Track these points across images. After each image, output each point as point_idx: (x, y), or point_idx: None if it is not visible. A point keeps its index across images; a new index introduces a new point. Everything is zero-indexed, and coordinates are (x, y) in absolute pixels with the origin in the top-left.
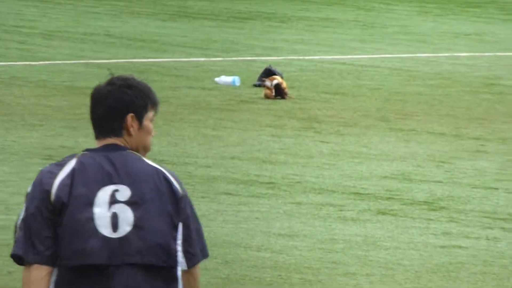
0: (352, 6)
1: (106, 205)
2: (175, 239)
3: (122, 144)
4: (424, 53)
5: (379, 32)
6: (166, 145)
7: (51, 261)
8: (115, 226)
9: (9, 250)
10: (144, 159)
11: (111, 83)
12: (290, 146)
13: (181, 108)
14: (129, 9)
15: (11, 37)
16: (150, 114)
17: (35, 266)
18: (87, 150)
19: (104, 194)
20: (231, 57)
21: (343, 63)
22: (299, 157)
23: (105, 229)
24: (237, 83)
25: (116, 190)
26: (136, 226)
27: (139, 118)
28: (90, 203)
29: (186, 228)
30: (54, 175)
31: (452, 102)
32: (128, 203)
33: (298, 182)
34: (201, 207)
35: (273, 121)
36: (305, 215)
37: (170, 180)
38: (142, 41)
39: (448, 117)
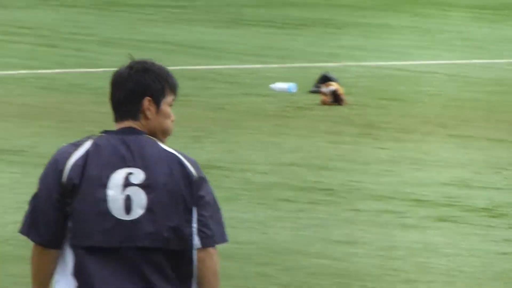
0: (408, 12)
1: (120, 188)
2: (189, 222)
3: (139, 128)
4: (480, 59)
5: (435, 38)
6: (223, 152)
7: (54, 243)
8: (128, 208)
9: None
10: (160, 143)
11: (130, 66)
12: (347, 153)
13: (237, 115)
14: (185, 16)
15: (67, 45)
16: (168, 98)
17: (39, 246)
18: (104, 131)
19: (118, 176)
20: (287, 63)
21: (400, 69)
22: (357, 163)
23: (118, 212)
24: (293, 90)
25: (130, 173)
26: (149, 209)
27: (157, 102)
28: (103, 185)
29: (201, 210)
30: (68, 155)
31: (510, 108)
32: (141, 186)
33: (357, 188)
34: (258, 214)
35: (330, 128)
36: (364, 222)
37: (185, 164)
38: (198, 48)
39: (506, 123)
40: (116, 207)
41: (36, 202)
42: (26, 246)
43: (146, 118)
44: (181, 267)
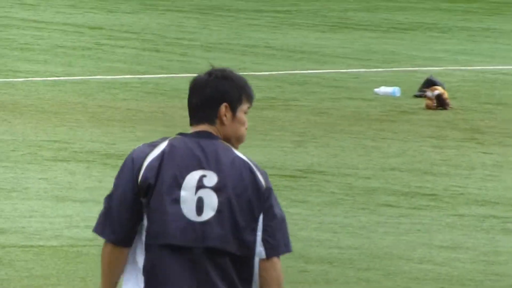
0: None
1: (193, 189)
2: (253, 230)
3: (214, 133)
4: None
5: None
6: (326, 157)
7: (126, 241)
8: (199, 210)
9: None
10: (234, 149)
11: (209, 73)
12: (452, 157)
13: (340, 119)
14: (289, 20)
15: (172, 50)
16: (244, 106)
17: (111, 245)
18: (180, 134)
19: (192, 178)
20: (392, 67)
21: (506, 73)
22: (461, 168)
23: (190, 212)
24: (398, 94)
25: (204, 176)
26: (219, 211)
27: (233, 108)
28: (178, 186)
29: (267, 220)
30: (145, 155)
31: None
32: (214, 188)
33: (460, 193)
34: (361, 219)
35: (435, 132)
36: (467, 227)
37: (255, 172)
38: (302, 52)
39: None
40: (188, 208)
41: (111, 201)
42: None
43: (222, 123)
44: (243, 272)
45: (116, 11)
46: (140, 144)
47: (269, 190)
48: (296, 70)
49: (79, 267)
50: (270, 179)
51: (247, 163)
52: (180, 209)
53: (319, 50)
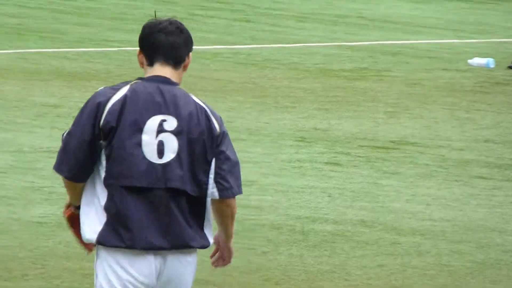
0: None
1: (154, 133)
2: (206, 172)
3: (174, 79)
4: None
5: None
6: (419, 128)
7: (81, 178)
8: (160, 153)
9: (263, 230)
10: (191, 95)
11: (175, 21)
12: None
13: (434, 91)
14: None
15: (264, 20)
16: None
17: (67, 180)
18: (140, 78)
19: (153, 123)
20: (485, 38)
21: None
22: None
23: (151, 155)
24: (492, 65)
25: (164, 120)
26: (179, 154)
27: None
28: (139, 130)
29: (220, 163)
30: (107, 98)
31: None
32: (174, 132)
33: None
34: (454, 191)
35: None
36: None
37: (211, 117)
38: (395, 23)
39: None
40: (149, 151)
41: (69, 139)
42: None
43: (184, 70)
44: (197, 211)
45: None
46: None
47: (222, 134)
48: (388, 40)
49: None
50: (361, 150)
51: (204, 108)
52: (142, 152)
53: (412, 21)
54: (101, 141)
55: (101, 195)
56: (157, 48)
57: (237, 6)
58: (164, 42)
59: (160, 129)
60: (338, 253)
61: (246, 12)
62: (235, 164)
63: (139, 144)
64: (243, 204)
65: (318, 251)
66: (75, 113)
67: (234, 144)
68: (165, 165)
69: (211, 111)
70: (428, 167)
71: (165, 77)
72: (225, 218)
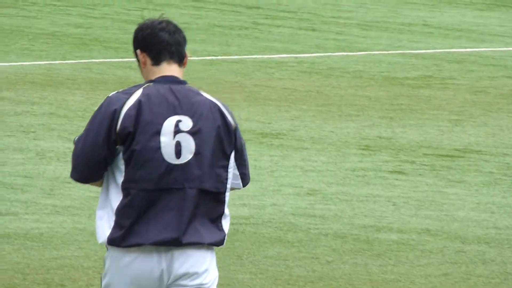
0: None
1: (171, 134)
2: (225, 167)
3: (180, 76)
4: None
5: None
6: (484, 136)
7: (91, 180)
8: (178, 153)
9: (328, 239)
10: (202, 92)
11: (169, 21)
12: None
13: (499, 98)
14: None
15: (328, 28)
16: None
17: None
18: (150, 81)
19: (169, 124)
20: None
21: None
22: None
23: (169, 156)
24: None
25: (180, 121)
26: (196, 154)
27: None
28: (157, 132)
29: (240, 155)
30: (122, 103)
31: None
32: (190, 132)
33: None
34: None
35: None
36: None
37: (224, 113)
38: (459, 31)
39: None
40: (168, 152)
41: (82, 144)
42: (285, 228)
43: (184, 66)
44: (216, 208)
45: None
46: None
47: (237, 129)
48: (453, 48)
49: (236, 245)
50: (426, 159)
51: (216, 104)
52: (161, 155)
53: (477, 29)
54: (118, 146)
55: (115, 198)
56: (164, 47)
57: (303, 15)
58: (170, 41)
59: (177, 130)
60: (402, 262)
61: (311, 20)
62: (246, 152)
63: (158, 146)
64: (307, 213)
65: (383, 260)
66: None
67: (297, 153)
68: (184, 166)
69: (224, 106)
70: (493, 175)
71: (173, 76)
72: None
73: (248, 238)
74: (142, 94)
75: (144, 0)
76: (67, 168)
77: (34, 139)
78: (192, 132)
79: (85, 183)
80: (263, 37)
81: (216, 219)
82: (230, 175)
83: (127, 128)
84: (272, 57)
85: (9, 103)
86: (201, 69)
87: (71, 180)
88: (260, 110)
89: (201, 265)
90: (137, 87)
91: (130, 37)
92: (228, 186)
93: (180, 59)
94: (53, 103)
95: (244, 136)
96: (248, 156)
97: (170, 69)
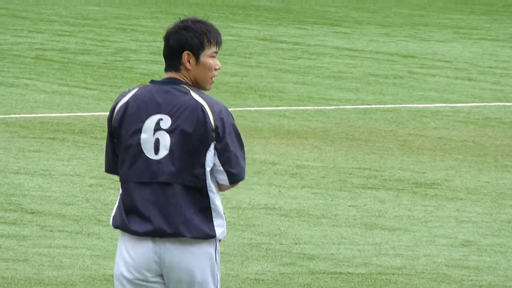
0: None
1: (152, 132)
2: (202, 165)
3: (181, 78)
4: None
5: None
6: None
7: (115, 171)
8: (156, 149)
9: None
10: (192, 93)
11: (175, 25)
12: None
13: None
14: None
15: (485, 78)
16: (208, 51)
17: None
18: (152, 81)
19: (151, 122)
20: None
21: None
22: None
23: (149, 152)
24: None
25: (161, 119)
26: (171, 151)
27: (196, 54)
28: (139, 129)
29: (223, 153)
30: (117, 102)
31: None
32: (167, 130)
33: None
34: None
35: None
36: None
37: (207, 112)
38: None
39: None
40: (148, 148)
41: (106, 141)
42: (438, 279)
43: (187, 69)
44: (200, 201)
45: (429, 40)
46: None
47: (220, 127)
48: None
49: None
50: None
51: (200, 104)
52: (141, 150)
53: None
54: (115, 140)
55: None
56: (164, 56)
57: (459, 64)
58: (163, 52)
59: (157, 128)
60: None
61: (468, 70)
62: (240, 154)
63: (139, 142)
64: (461, 264)
65: None
66: (293, 171)
67: (452, 203)
68: (160, 161)
69: (210, 106)
70: None
71: (171, 78)
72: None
73: (401, 287)
74: (134, 93)
75: (299, 50)
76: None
77: None
78: (170, 130)
79: (110, 174)
80: (419, 86)
81: (201, 213)
82: (207, 171)
83: (115, 124)
84: (428, 106)
85: None
86: (355, 117)
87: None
88: (414, 159)
89: (184, 258)
90: (136, 87)
91: (285, 86)
92: (208, 181)
93: (176, 68)
94: None
95: (398, 185)
96: (244, 155)
97: (170, 73)
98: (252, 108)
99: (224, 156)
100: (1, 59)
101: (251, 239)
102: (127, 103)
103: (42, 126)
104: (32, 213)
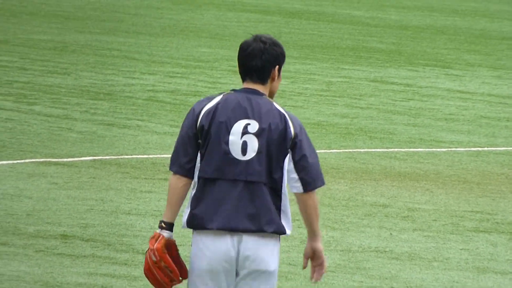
0: None
1: (239, 134)
2: (281, 168)
3: (262, 90)
4: None
5: None
6: None
7: (189, 173)
8: (244, 151)
9: None
10: (274, 103)
11: (263, 41)
12: None
13: None
14: None
15: None
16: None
17: (177, 176)
18: (233, 90)
19: (239, 125)
20: None
21: None
22: None
23: (236, 153)
24: None
25: (249, 124)
26: (259, 152)
27: (280, 69)
28: (227, 132)
29: (299, 160)
30: (203, 106)
31: None
32: (255, 134)
33: None
34: None
35: None
36: None
37: (288, 122)
38: None
39: None
40: (235, 149)
41: (178, 142)
42: None
43: (272, 82)
44: (276, 201)
45: None
46: None
47: (299, 136)
48: None
49: None
50: None
51: (283, 114)
52: (229, 150)
53: None
54: (199, 141)
55: (193, 188)
56: (245, 69)
57: None
58: (249, 64)
59: (245, 131)
60: None
61: None
62: (314, 161)
63: (226, 143)
64: None
65: None
66: (404, 213)
67: None
68: (247, 162)
69: (290, 116)
70: None
71: (254, 89)
72: (310, 210)
73: None
74: (222, 99)
75: (410, 91)
76: (331, 256)
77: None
78: (257, 134)
79: (180, 175)
80: None
81: (276, 211)
82: (284, 175)
83: (204, 126)
84: None
85: None
86: (466, 160)
87: (334, 269)
88: None
89: (259, 248)
90: (220, 94)
91: (396, 128)
92: (284, 184)
93: (264, 80)
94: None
95: (510, 229)
96: (317, 166)
97: (251, 83)
98: (362, 150)
99: (299, 164)
100: (114, 100)
101: (361, 282)
102: (215, 107)
103: (154, 167)
104: (144, 254)
